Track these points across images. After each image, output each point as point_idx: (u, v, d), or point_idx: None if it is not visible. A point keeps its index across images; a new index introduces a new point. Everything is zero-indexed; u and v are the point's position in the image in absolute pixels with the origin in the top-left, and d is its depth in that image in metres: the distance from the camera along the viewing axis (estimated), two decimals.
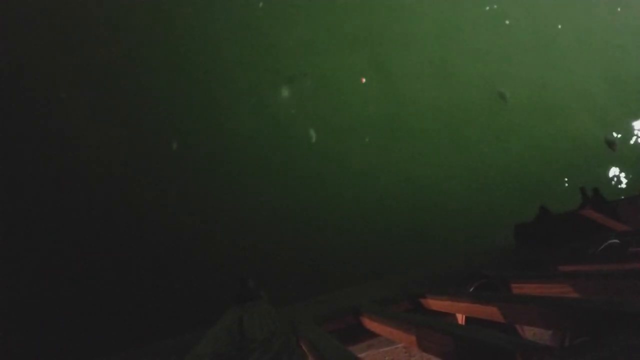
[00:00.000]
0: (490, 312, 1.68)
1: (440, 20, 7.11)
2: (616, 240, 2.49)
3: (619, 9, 7.57)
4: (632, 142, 6.82)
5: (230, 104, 6.28)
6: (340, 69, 6.66)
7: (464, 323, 1.97)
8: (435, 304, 2.19)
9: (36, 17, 6.26)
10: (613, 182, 6.34)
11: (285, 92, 6.32)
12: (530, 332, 2.47)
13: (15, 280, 5.34)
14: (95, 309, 5.23)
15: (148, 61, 6.32)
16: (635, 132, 6.86)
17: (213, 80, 6.36)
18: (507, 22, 7.22)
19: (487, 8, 7.19)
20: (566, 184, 6.10)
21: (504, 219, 5.03)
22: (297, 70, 6.44)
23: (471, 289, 2.21)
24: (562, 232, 3.26)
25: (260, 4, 6.58)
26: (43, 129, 5.87)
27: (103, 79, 6.20)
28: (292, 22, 6.65)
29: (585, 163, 6.57)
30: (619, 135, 6.82)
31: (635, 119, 6.95)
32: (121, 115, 6.04)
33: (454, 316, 2.05)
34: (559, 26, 7.38)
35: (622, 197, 3.80)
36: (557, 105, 6.94)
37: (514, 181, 6.40)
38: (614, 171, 6.52)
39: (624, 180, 6.35)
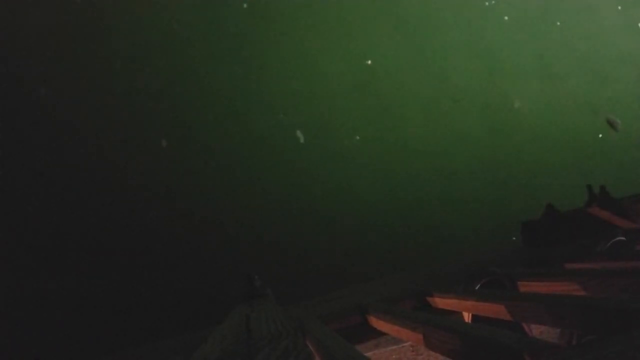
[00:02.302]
0: (497, 310, 1.68)
1: (437, 14, 7.10)
2: (623, 238, 2.48)
3: (619, 7, 7.54)
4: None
5: (231, 103, 6.29)
6: (333, 66, 6.65)
7: (470, 321, 1.97)
8: (441, 302, 2.19)
9: (23, 12, 6.28)
10: (620, 180, 6.30)
11: (284, 91, 6.33)
12: (538, 331, 2.47)
13: (15, 280, 5.37)
14: (97, 308, 5.26)
15: (139, 58, 6.33)
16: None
17: (210, 79, 6.38)
18: (506, 18, 7.20)
19: (487, 4, 7.17)
20: (573, 182, 6.08)
21: (511, 217, 5.03)
22: (288, 72, 6.46)
23: (477, 286, 2.21)
24: (569, 229, 3.25)
25: (245, 5, 6.60)
26: (38, 125, 5.90)
27: (93, 76, 6.22)
28: (280, 24, 6.67)
29: (592, 161, 6.54)
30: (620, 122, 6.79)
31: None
32: (117, 111, 6.06)
33: (460, 314, 2.06)
34: (558, 23, 7.36)
35: (630, 194, 3.78)
36: (565, 102, 6.91)
37: (521, 179, 6.37)
38: (620, 169, 6.49)
39: (631, 178, 6.33)
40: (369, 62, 6.62)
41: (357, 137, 6.28)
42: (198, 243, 5.62)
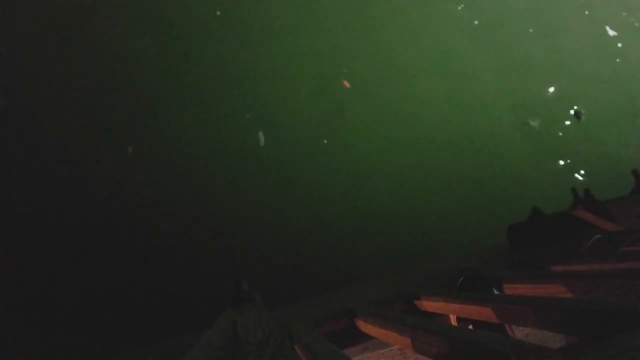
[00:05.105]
0: (483, 312, 1.69)
1: (411, 22, 7.17)
2: (599, 236, 2.52)
3: (586, 12, 7.71)
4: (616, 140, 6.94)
5: (200, 106, 6.27)
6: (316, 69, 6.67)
7: (455, 323, 1.98)
8: (429, 305, 2.19)
9: None
10: (604, 184, 6.41)
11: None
12: (524, 333, 2.48)
13: (13, 283, 5.30)
14: (92, 312, 5.21)
15: (107, 64, 6.28)
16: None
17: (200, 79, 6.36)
18: (476, 22, 7.30)
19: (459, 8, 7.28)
20: (559, 186, 6.17)
21: (498, 220, 5.07)
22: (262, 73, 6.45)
23: (460, 281, 2.22)
24: (555, 232, 3.28)
25: (218, 12, 6.61)
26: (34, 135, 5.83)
27: (61, 79, 6.15)
28: (251, 28, 6.69)
29: (577, 166, 6.65)
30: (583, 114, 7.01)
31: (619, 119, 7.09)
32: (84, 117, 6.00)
33: (447, 317, 2.06)
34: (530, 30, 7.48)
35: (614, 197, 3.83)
36: (552, 110, 7.04)
37: (507, 182, 6.44)
38: (604, 173, 6.61)
39: (615, 182, 6.44)
40: (344, 69, 6.63)
41: (325, 141, 6.27)
42: (184, 248, 5.58)
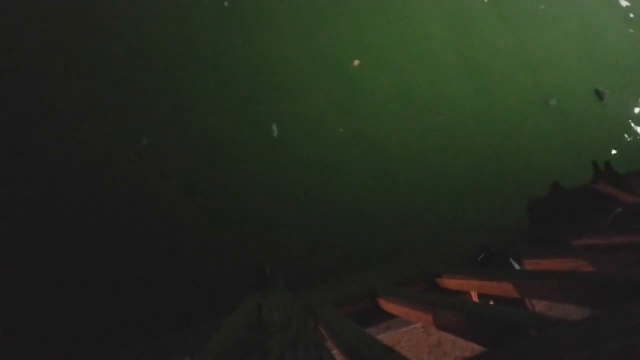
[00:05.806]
0: (504, 288, 1.70)
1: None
2: (620, 210, 2.50)
3: None
4: None
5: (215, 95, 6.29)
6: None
7: (477, 300, 1.99)
8: (450, 282, 2.21)
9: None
10: (626, 157, 6.28)
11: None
12: (547, 307, 2.49)
13: (15, 278, 5.41)
14: (100, 303, 5.31)
15: (121, 54, 6.33)
16: None
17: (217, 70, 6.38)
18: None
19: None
20: (579, 160, 6.07)
21: (518, 196, 5.03)
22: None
23: (479, 260, 2.23)
24: (576, 206, 3.24)
25: (225, 4, 6.60)
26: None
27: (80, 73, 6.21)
28: (261, 19, 6.66)
29: (598, 140, 6.53)
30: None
31: None
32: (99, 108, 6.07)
33: (468, 294, 2.08)
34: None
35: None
36: (570, 82, 6.91)
37: (526, 158, 6.36)
38: (626, 147, 6.48)
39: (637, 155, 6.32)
40: (355, 60, 6.58)
41: (341, 131, 6.26)
42: (207, 235, 5.65)
